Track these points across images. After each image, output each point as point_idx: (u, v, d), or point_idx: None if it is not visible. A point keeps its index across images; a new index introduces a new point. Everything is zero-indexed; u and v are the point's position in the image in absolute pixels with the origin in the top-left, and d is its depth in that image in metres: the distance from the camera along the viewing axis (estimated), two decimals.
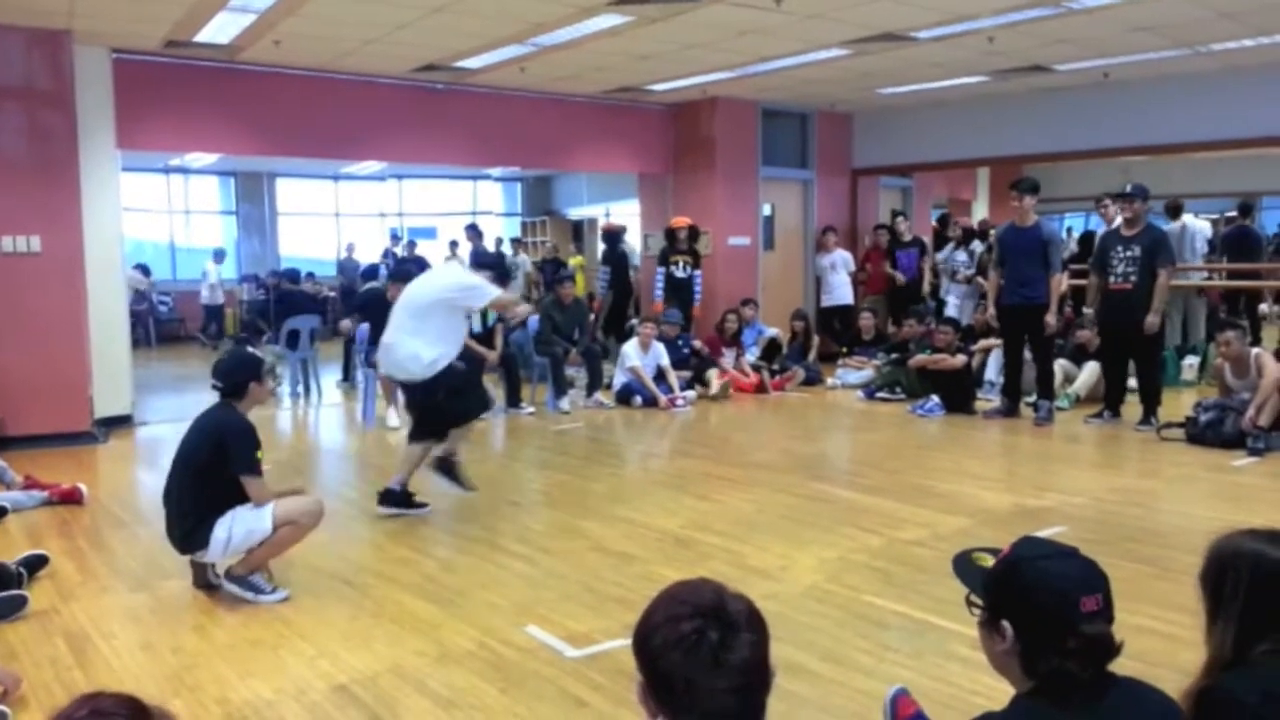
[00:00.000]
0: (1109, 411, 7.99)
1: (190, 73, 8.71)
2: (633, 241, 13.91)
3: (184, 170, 17.07)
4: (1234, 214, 12.33)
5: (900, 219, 12.30)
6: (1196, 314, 10.56)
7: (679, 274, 10.63)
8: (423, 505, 5.63)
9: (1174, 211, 10.97)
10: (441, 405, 5.48)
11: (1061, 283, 7.98)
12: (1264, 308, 12.23)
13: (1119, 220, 8.07)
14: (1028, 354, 8.23)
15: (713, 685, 1.40)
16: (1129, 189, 7.85)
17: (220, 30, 7.73)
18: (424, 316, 5.39)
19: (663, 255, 10.77)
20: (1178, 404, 8.17)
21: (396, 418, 8.31)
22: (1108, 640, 1.62)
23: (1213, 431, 7.00)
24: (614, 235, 12.80)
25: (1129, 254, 7.70)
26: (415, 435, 5.63)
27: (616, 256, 12.39)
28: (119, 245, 8.36)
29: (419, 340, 5.34)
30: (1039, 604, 1.65)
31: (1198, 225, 11.07)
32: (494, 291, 5.60)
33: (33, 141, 7.53)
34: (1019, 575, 1.70)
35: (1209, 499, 5.88)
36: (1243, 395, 7.05)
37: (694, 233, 10.76)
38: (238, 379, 4.24)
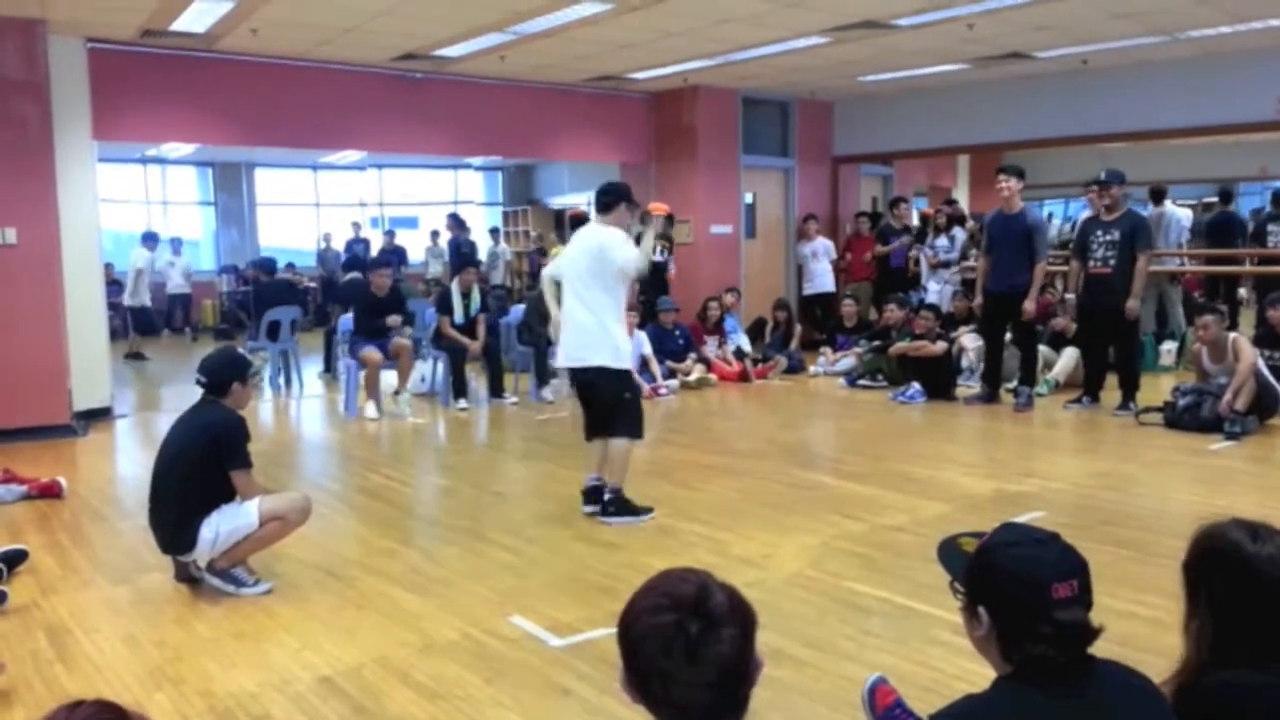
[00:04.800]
0: (1088, 397, 8.04)
1: (166, 62, 8.64)
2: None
3: (161, 161, 16.91)
4: (1214, 200, 12.40)
5: (903, 204, 12.32)
6: (1172, 300, 10.63)
7: (656, 258, 10.55)
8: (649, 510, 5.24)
9: (1157, 196, 11.01)
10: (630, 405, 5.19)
11: (1043, 271, 8.04)
12: (1242, 292, 12.31)
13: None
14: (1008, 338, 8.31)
15: (688, 679, 1.39)
16: (1103, 175, 7.90)
17: (197, 19, 7.66)
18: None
19: (638, 238, 10.66)
20: (1156, 389, 8.24)
21: (375, 410, 8.30)
22: (1083, 625, 1.63)
23: (1190, 416, 7.05)
24: (580, 222, 12.71)
25: (1108, 238, 7.75)
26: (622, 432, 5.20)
27: None
28: (96, 236, 8.28)
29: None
30: (1012, 591, 1.66)
31: (1178, 213, 11.11)
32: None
33: (7, 132, 7.43)
34: (992, 562, 1.71)
35: (1187, 483, 5.93)
36: (1220, 380, 7.11)
37: (670, 220, 10.70)
38: (222, 377, 4.22)
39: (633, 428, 5.20)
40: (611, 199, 5.33)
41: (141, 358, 12.68)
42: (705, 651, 1.40)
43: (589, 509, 5.23)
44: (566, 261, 5.31)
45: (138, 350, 12.88)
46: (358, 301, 9.04)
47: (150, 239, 14.01)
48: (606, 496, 5.16)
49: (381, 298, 8.75)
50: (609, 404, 5.17)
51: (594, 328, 5.09)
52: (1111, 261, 7.71)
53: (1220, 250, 11.38)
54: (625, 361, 5.18)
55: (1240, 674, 1.79)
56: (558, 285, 5.35)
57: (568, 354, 5.21)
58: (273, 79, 9.24)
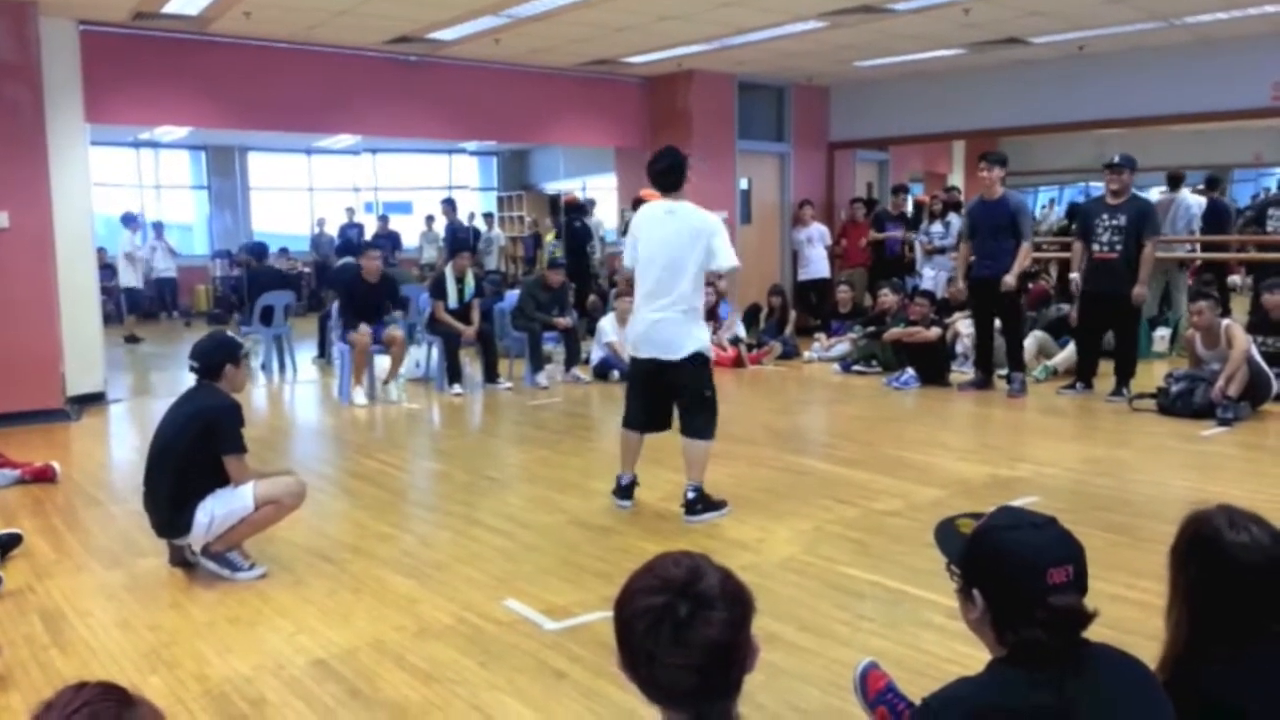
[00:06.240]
0: (1081, 383, 8.06)
1: (159, 45, 8.59)
2: (608, 217, 13.81)
3: (154, 144, 16.83)
4: (1202, 187, 12.38)
5: (903, 193, 12.32)
6: (1177, 286, 10.60)
7: None
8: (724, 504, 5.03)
9: (1174, 182, 10.92)
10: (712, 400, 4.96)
11: (1029, 251, 8.04)
12: (1235, 279, 12.30)
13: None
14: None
15: (673, 661, 1.39)
16: (1117, 159, 7.80)
17: (189, 1, 7.61)
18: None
19: (628, 225, 10.66)
20: (1149, 375, 8.25)
21: (364, 396, 8.28)
22: (1077, 611, 1.63)
23: (1183, 402, 7.07)
24: (575, 208, 12.66)
25: (1114, 223, 7.72)
26: (708, 431, 4.96)
27: (574, 232, 12.27)
28: (89, 220, 8.24)
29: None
30: (1007, 575, 1.66)
31: (1189, 199, 11.06)
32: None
33: None
34: (988, 546, 1.71)
35: (1179, 469, 5.95)
36: (1213, 366, 7.12)
37: None
38: (214, 360, 4.22)
39: (712, 426, 4.96)
40: (678, 176, 4.93)
41: (138, 340, 12.75)
42: (692, 634, 1.39)
43: (625, 503, 5.13)
44: (651, 246, 4.92)
45: (133, 333, 12.95)
46: (346, 289, 8.86)
47: (129, 220, 13.98)
48: (690, 495, 4.92)
49: (373, 285, 8.61)
50: (687, 399, 4.92)
51: (686, 316, 4.83)
52: (1118, 247, 7.68)
53: (1213, 237, 11.37)
54: (710, 348, 5.02)
55: (1227, 666, 1.80)
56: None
57: (654, 344, 4.89)
58: (266, 62, 9.19)
